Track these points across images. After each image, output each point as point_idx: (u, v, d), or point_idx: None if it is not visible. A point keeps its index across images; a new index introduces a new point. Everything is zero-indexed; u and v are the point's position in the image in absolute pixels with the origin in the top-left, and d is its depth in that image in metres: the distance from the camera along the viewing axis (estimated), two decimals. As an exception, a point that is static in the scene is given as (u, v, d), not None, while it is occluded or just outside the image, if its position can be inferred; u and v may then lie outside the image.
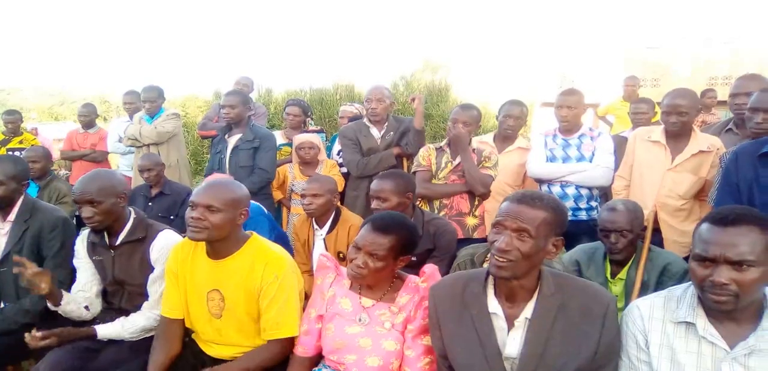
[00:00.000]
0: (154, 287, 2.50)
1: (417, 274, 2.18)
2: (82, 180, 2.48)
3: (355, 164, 4.08)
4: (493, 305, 1.76)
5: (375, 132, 4.14)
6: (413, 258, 2.21)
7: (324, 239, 3.26)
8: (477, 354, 1.75)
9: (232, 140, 4.30)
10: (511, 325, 1.74)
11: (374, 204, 2.87)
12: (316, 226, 3.32)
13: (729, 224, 1.51)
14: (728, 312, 1.53)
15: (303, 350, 2.19)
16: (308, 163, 4.35)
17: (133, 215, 2.59)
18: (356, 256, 2.05)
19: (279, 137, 4.93)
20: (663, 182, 3.24)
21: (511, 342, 1.73)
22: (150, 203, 4.26)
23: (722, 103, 6.74)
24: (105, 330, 2.45)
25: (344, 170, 4.38)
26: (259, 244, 2.31)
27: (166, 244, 2.52)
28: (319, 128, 5.79)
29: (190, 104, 11.78)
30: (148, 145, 5.02)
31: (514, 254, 1.63)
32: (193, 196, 2.20)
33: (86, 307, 2.56)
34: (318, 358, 2.23)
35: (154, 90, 5.26)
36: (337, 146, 4.74)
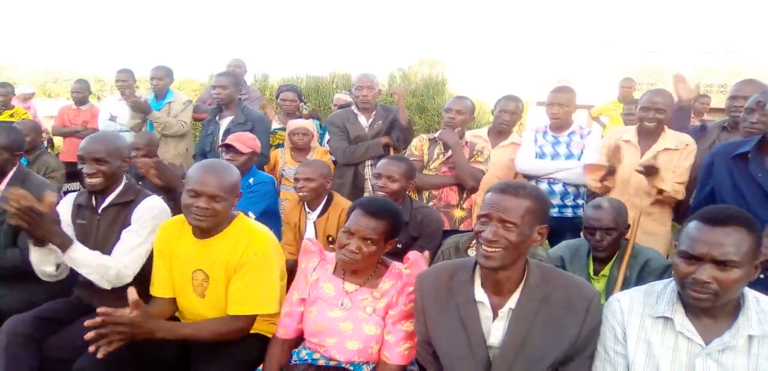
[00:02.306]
0: (127, 235, 2.44)
1: (402, 261, 2.19)
2: (91, 139, 2.49)
3: (342, 151, 4.10)
4: (480, 294, 1.79)
5: (363, 120, 4.15)
6: (399, 245, 2.22)
7: (315, 223, 3.27)
8: (461, 342, 1.78)
9: (224, 122, 4.30)
10: (496, 315, 1.77)
11: (380, 183, 2.93)
12: (307, 209, 3.33)
13: (718, 224, 1.53)
14: (706, 309, 1.56)
15: (283, 332, 2.20)
16: (300, 149, 4.35)
17: (124, 180, 2.59)
18: (349, 241, 2.06)
19: (273, 123, 4.93)
20: (630, 181, 3.27)
21: (495, 331, 1.77)
22: (140, 183, 4.24)
23: (716, 110, 6.79)
24: (77, 253, 2.30)
25: (333, 157, 4.38)
26: (244, 224, 2.31)
27: (152, 206, 2.50)
28: (313, 112, 5.77)
29: (186, 87, 11.74)
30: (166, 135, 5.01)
31: (502, 243, 1.66)
32: (195, 184, 2.14)
33: (57, 265, 2.43)
34: (298, 340, 2.24)
35: (163, 69, 5.22)
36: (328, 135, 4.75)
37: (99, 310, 1.82)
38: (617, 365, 1.71)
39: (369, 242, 2.04)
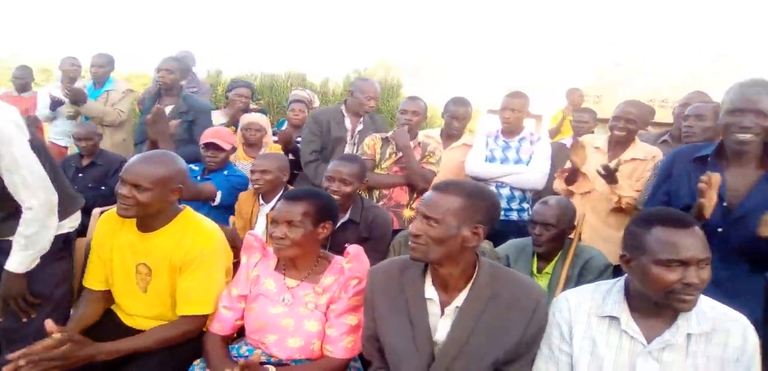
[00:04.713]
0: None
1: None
2: None
3: (305, 154, 3.92)
4: (430, 291, 1.80)
5: (349, 124, 4.02)
6: (350, 247, 2.19)
7: (267, 215, 3.22)
8: (407, 337, 1.78)
9: (165, 110, 4.16)
10: (444, 312, 1.78)
11: (334, 187, 2.80)
12: (261, 201, 3.29)
13: (689, 226, 1.55)
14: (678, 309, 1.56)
15: (220, 327, 2.14)
16: (253, 144, 4.27)
17: None
18: (275, 229, 2.05)
19: (220, 117, 4.82)
20: (595, 186, 3.32)
21: (442, 328, 1.77)
22: (80, 174, 4.09)
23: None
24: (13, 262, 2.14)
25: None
26: (190, 218, 2.25)
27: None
28: (261, 108, 5.68)
29: (135, 80, 11.42)
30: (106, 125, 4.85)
31: (424, 239, 1.71)
32: (123, 170, 2.10)
33: None
34: (236, 337, 2.20)
35: (103, 57, 5.07)
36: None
37: (11, 356, 1.73)
38: (561, 364, 1.71)
39: (293, 225, 2.03)
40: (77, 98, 4.78)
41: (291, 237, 2.03)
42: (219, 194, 3.45)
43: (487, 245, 2.81)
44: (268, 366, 1.97)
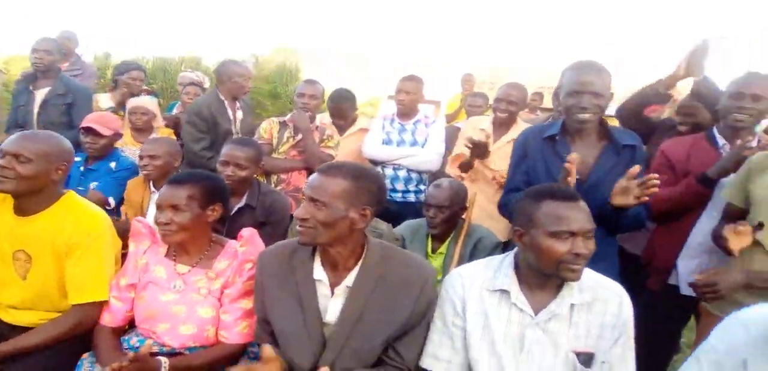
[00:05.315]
0: None
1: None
2: None
3: (198, 153, 3.68)
4: (319, 272, 1.80)
5: (231, 113, 3.89)
6: (244, 230, 2.15)
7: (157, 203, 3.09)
8: (297, 319, 1.78)
9: (41, 93, 3.86)
10: (333, 293, 1.79)
11: (228, 171, 2.71)
12: (152, 188, 3.14)
13: (575, 200, 1.66)
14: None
15: (110, 319, 2.06)
16: (141, 129, 4.06)
17: None
18: (160, 214, 1.99)
19: (108, 100, 4.53)
20: (481, 168, 3.48)
21: (332, 309, 1.78)
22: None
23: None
24: None
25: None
26: (73, 201, 2.14)
27: None
28: (150, 91, 5.41)
29: (14, 64, 10.49)
30: None
31: (311, 222, 1.70)
32: (4, 144, 2.00)
33: None
34: (127, 328, 2.12)
35: None
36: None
37: None
38: (455, 337, 1.77)
39: (178, 210, 1.97)
40: None
41: (177, 222, 1.96)
42: (111, 200, 3.24)
43: (385, 226, 2.88)
44: (160, 356, 1.91)
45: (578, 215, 1.64)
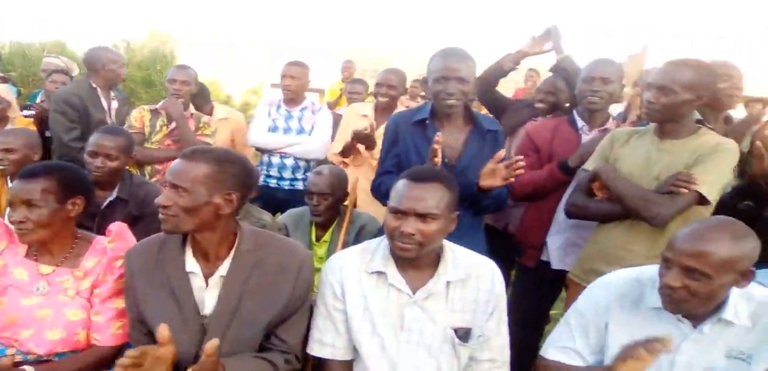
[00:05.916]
0: None
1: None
2: None
3: (68, 144, 3.42)
4: (191, 264, 1.76)
5: (105, 102, 3.65)
6: (112, 225, 2.03)
7: None
8: (173, 314, 1.72)
9: None
10: (208, 283, 1.76)
11: (98, 163, 2.53)
12: (10, 184, 2.87)
13: (421, 181, 1.72)
14: (412, 259, 1.74)
15: None
16: (-8, 120, 3.68)
17: None
18: (14, 212, 1.84)
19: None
20: (366, 154, 3.52)
21: (209, 300, 1.75)
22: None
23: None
24: None
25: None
26: None
27: None
28: (3, 77, 4.93)
29: None
30: None
31: (174, 209, 1.65)
32: None
33: None
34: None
35: None
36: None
37: None
38: (337, 321, 1.82)
39: (33, 206, 1.83)
40: None
41: (33, 219, 1.82)
42: None
43: (267, 216, 2.85)
44: (25, 366, 1.78)
45: (418, 195, 1.70)
